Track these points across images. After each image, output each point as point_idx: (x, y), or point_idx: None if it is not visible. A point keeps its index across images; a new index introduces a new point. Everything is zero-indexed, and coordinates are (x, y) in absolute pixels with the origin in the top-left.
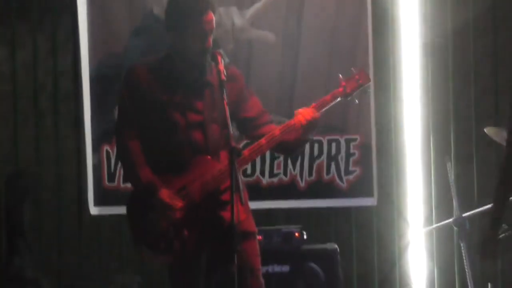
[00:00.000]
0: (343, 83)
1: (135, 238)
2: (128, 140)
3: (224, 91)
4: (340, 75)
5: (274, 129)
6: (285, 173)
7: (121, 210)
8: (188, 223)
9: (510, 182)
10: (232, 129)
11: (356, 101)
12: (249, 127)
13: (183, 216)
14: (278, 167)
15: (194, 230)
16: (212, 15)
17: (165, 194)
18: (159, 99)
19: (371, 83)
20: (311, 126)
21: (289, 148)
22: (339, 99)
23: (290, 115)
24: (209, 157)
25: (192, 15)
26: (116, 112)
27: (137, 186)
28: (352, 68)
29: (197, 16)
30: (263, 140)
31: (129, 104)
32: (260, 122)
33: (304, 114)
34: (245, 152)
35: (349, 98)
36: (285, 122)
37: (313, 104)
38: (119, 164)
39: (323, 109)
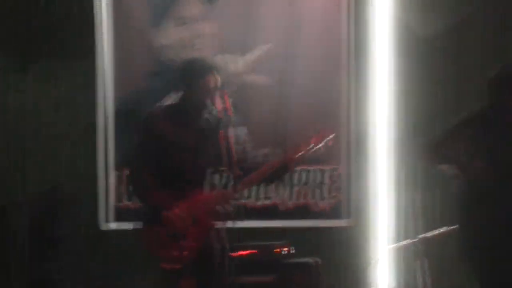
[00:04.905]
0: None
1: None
2: (143, 174)
3: (230, 128)
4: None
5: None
6: (276, 197)
7: (132, 226)
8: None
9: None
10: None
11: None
12: None
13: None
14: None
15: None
16: (216, 77)
17: (174, 212)
18: (171, 142)
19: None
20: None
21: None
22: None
23: (283, 145)
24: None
25: (198, 75)
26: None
27: (149, 206)
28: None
29: (201, 77)
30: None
31: (144, 143)
32: None
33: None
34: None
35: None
36: (279, 153)
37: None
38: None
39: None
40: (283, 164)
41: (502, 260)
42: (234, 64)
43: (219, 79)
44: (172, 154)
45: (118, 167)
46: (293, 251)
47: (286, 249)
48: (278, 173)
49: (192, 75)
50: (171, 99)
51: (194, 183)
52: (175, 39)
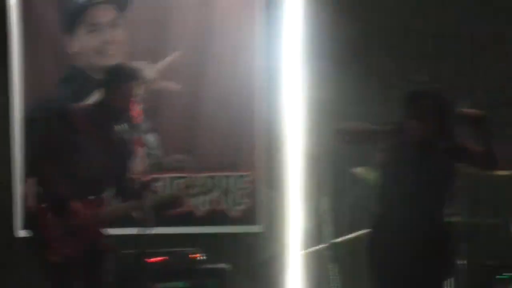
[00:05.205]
0: None
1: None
2: (47, 169)
3: (141, 134)
4: None
5: None
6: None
7: None
8: None
9: None
10: None
11: None
12: None
13: None
14: None
15: None
16: (138, 84)
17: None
18: (84, 141)
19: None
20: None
21: None
22: None
23: (195, 152)
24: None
25: (123, 81)
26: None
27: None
28: None
29: (125, 83)
30: None
31: (56, 136)
32: None
33: None
34: None
35: None
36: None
37: None
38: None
39: None
40: (170, 198)
41: (411, 265)
42: (145, 70)
43: (141, 87)
44: (83, 154)
45: (29, 173)
46: (204, 257)
47: (197, 255)
48: (166, 206)
49: (117, 80)
50: (91, 100)
51: (100, 187)
52: (87, 45)
